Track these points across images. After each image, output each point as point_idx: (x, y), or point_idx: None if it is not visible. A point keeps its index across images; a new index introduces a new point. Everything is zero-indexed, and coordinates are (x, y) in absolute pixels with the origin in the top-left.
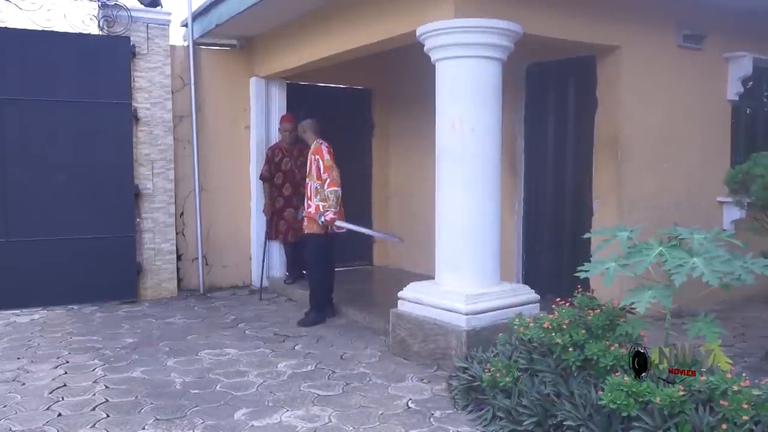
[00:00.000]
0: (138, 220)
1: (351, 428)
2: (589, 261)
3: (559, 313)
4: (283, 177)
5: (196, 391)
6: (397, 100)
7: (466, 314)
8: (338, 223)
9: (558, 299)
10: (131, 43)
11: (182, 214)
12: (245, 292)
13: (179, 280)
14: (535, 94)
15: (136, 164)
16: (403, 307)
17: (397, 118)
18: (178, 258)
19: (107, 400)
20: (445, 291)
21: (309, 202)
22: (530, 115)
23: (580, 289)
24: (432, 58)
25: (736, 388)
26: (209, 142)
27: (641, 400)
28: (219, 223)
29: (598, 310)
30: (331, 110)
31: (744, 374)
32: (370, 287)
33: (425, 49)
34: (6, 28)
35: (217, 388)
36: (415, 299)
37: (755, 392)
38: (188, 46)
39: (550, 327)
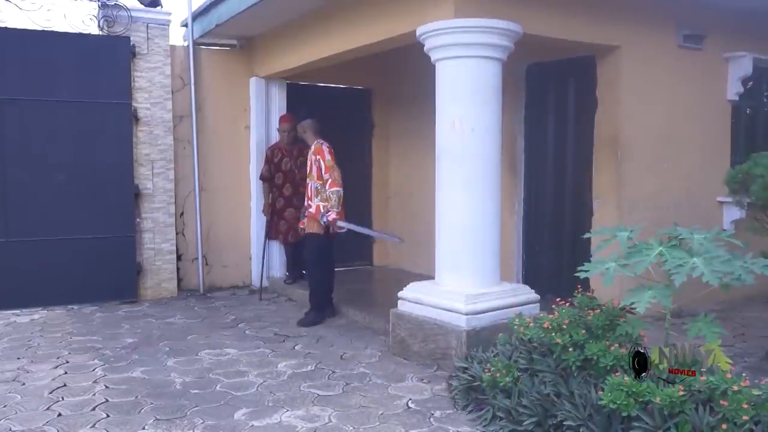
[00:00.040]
0: (138, 220)
1: (351, 428)
2: (589, 261)
3: (559, 313)
4: (283, 177)
5: (196, 391)
6: (397, 100)
7: (466, 314)
8: (339, 223)
9: (558, 299)
10: (131, 43)
11: (182, 214)
12: (245, 292)
13: (179, 280)
14: (535, 94)
15: (136, 164)
16: (403, 307)
17: (397, 118)
18: (178, 258)
19: (107, 400)
20: (445, 291)
21: (309, 202)
22: (530, 115)
23: (580, 289)
24: (432, 58)
25: (736, 388)
26: (209, 142)
27: (641, 400)
28: (219, 223)
29: (598, 310)
30: (331, 110)
31: (744, 374)
32: (370, 287)
33: (425, 49)
34: (6, 28)
35: (217, 388)
36: (415, 299)
37: (755, 392)
38: (188, 46)
39: (550, 327)
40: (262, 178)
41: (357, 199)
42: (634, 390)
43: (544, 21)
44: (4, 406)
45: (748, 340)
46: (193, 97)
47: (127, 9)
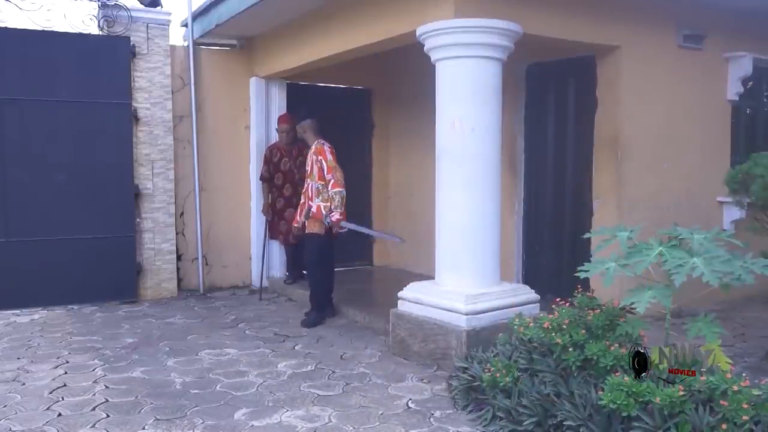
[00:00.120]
0: (138, 220)
1: (351, 428)
2: (589, 261)
3: (559, 313)
4: (282, 177)
5: (196, 391)
6: (397, 100)
7: (466, 314)
8: (342, 223)
9: (558, 299)
10: (131, 43)
11: (182, 214)
12: (245, 292)
13: (179, 280)
14: (535, 94)
15: (136, 164)
16: (403, 307)
17: (397, 118)
18: (178, 258)
19: (107, 400)
20: (445, 291)
21: (310, 202)
22: (530, 115)
23: (580, 289)
24: (432, 58)
25: (736, 388)
26: (209, 142)
27: (641, 400)
28: (219, 223)
29: (598, 310)
30: (331, 110)
31: (744, 374)
32: (370, 287)
33: (425, 49)
34: (6, 28)
35: (217, 388)
36: (415, 299)
37: (755, 392)
38: (188, 46)
39: (550, 327)
40: (261, 178)
41: (357, 199)
42: (634, 390)
43: (544, 21)
44: (4, 406)
45: (748, 340)
46: (193, 97)
47: (127, 9)
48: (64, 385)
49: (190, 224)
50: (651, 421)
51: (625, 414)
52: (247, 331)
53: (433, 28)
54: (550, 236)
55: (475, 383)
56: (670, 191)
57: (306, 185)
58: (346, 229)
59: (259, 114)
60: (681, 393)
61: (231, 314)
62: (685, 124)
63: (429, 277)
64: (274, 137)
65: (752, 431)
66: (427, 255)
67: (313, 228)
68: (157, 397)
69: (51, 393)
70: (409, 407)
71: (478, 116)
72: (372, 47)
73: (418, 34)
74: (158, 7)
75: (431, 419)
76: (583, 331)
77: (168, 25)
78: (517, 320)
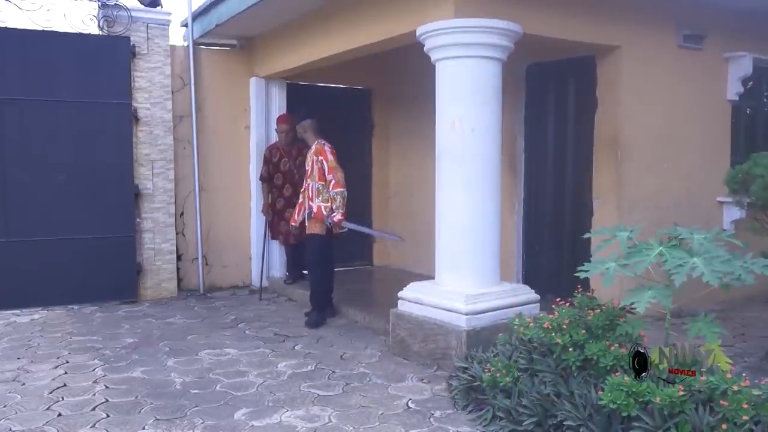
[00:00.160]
0: (138, 220)
1: (351, 428)
2: (589, 261)
3: (559, 313)
4: (282, 177)
5: (196, 391)
6: (397, 100)
7: (466, 314)
8: (343, 223)
9: (558, 299)
10: (131, 43)
11: (182, 214)
12: (245, 292)
13: (179, 280)
14: (535, 94)
15: (136, 164)
16: (403, 307)
17: (397, 118)
18: (178, 258)
19: (107, 400)
20: (445, 291)
21: (310, 203)
22: (530, 115)
23: (580, 289)
24: (432, 58)
25: (736, 388)
26: (209, 142)
27: (641, 400)
28: (219, 223)
29: (598, 310)
30: (331, 110)
31: (744, 374)
32: (370, 287)
33: (425, 49)
34: (6, 28)
35: (217, 388)
36: (415, 299)
37: (755, 392)
38: (188, 46)
39: (550, 327)
40: (261, 178)
41: (357, 199)
42: (634, 390)
43: (544, 21)
44: (4, 406)
45: (748, 340)
46: (193, 97)
47: (127, 9)
48: (64, 385)
49: (190, 224)
50: (651, 421)
51: (625, 414)
52: (247, 331)
53: (433, 28)
54: (550, 236)
55: (475, 383)
56: (670, 191)
57: (305, 185)
58: (346, 229)
59: (259, 114)
60: (681, 393)
61: (231, 314)
62: (685, 124)
63: (429, 277)
64: (274, 137)
65: (752, 431)
66: (427, 255)
67: (314, 229)
68: (157, 397)
69: (51, 393)
70: (409, 407)
71: (478, 116)
72: (372, 47)
73: (418, 34)
74: (158, 7)
75: (431, 419)
76: (583, 331)
77: (168, 25)
78: (517, 320)
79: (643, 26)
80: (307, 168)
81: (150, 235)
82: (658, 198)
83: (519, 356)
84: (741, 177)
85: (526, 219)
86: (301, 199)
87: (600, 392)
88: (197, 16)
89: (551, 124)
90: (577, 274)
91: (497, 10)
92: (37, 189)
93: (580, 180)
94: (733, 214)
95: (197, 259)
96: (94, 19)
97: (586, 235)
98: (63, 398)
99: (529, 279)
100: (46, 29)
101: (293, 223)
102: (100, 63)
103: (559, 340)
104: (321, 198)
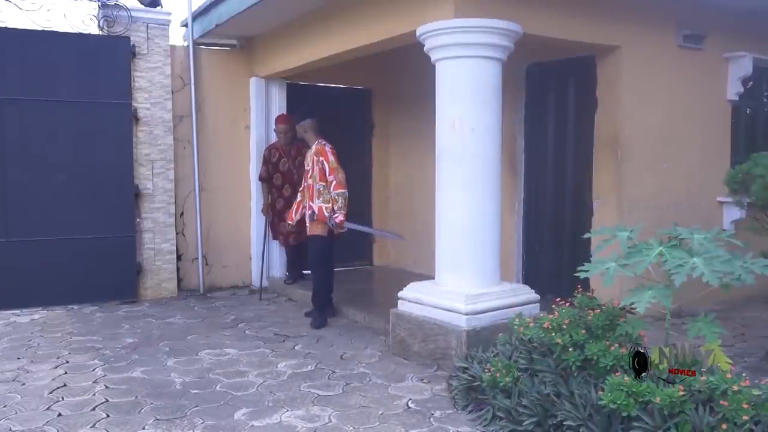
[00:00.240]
0: (138, 220)
1: (351, 428)
2: (589, 261)
3: (559, 313)
4: (282, 178)
5: (196, 391)
6: (397, 100)
7: (466, 314)
8: (345, 224)
9: (558, 299)
10: (131, 43)
11: (182, 214)
12: (245, 292)
13: (179, 280)
14: (535, 94)
15: (136, 164)
16: (403, 307)
17: (397, 118)
18: (178, 258)
19: (107, 400)
20: (445, 291)
21: (311, 203)
22: (530, 115)
23: (580, 289)
24: (432, 58)
25: (736, 388)
26: (209, 142)
27: (641, 400)
28: (219, 223)
29: (598, 310)
30: (331, 110)
31: (744, 374)
32: (370, 287)
33: (425, 49)
34: (6, 28)
35: (217, 388)
36: (415, 299)
37: (755, 392)
38: (188, 46)
39: (550, 327)
40: (260, 179)
41: (357, 199)
42: (634, 390)
43: (544, 21)
44: (4, 406)
45: (748, 340)
46: (193, 97)
47: (127, 9)
48: (64, 385)
49: (190, 224)
50: (651, 421)
51: (625, 414)
52: (247, 331)
53: (433, 28)
54: (550, 236)
55: (475, 383)
56: (670, 191)
57: (304, 184)
58: (346, 229)
59: (259, 114)
60: (681, 393)
61: (231, 314)
62: (685, 124)
63: (429, 277)
64: (274, 137)
65: (752, 431)
66: (427, 255)
67: (316, 230)
68: (157, 397)
69: (51, 393)
70: (409, 407)
71: (478, 116)
72: (372, 47)
73: (418, 34)
74: (158, 7)
75: (431, 419)
76: (583, 331)
77: (168, 25)
78: (517, 320)
79: (643, 26)
80: (306, 167)
81: (150, 235)
82: (658, 198)
83: (519, 356)
84: (741, 177)
85: (526, 219)
86: (299, 198)
87: (600, 392)
88: (197, 16)
89: (551, 124)
90: (577, 274)
91: (497, 10)
92: (37, 189)
93: (580, 180)
94: (733, 214)
95: (197, 259)
96: (94, 19)
97: (586, 235)
98: (63, 398)
99: (529, 279)
100: (46, 29)
101: (290, 221)
102: (100, 63)
103: (559, 340)
104: (322, 199)
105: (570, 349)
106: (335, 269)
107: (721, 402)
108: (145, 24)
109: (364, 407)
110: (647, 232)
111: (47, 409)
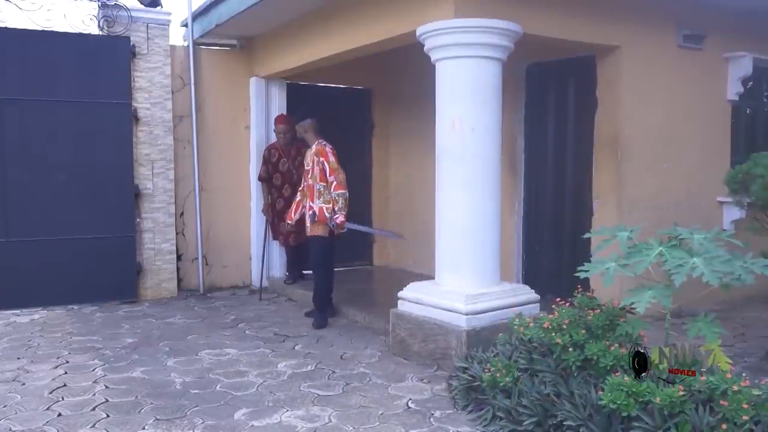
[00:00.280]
0: (138, 220)
1: (351, 428)
2: (589, 261)
3: (559, 313)
4: (281, 178)
5: (196, 391)
6: (397, 100)
7: (466, 314)
8: (345, 224)
9: (558, 299)
10: (131, 43)
11: (182, 214)
12: (245, 292)
13: (179, 280)
14: (535, 94)
15: (136, 164)
16: (403, 307)
17: (397, 118)
18: (178, 258)
19: (107, 400)
20: (445, 291)
21: (311, 203)
22: (530, 115)
23: (580, 289)
24: (432, 58)
25: (736, 388)
26: (209, 142)
27: (641, 400)
28: (219, 223)
29: (598, 310)
30: (331, 110)
31: (744, 374)
32: (370, 287)
33: (425, 49)
34: (6, 28)
35: (217, 388)
36: (415, 299)
37: (755, 392)
38: (188, 46)
39: (550, 327)
40: (260, 179)
41: (357, 199)
42: (634, 390)
43: (544, 21)
44: (4, 406)
45: (748, 340)
46: (193, 97)
47: (127, 9)
48: (64, 385)
49: (190, 224)
50: (651, 421)
51: (625, 414)
52: (247, 331)
53: (433, 28)
54: (550, 236)
55: (475, 383)
56: (670, 191)
57: (304, 184)
58: (347, 229)
59: (259, 114)
60: (681, 393)
61: (231, 314)
62: (685, 124)
63: (429, 277)
64: (274, 137)
65: (752, 431)
66: (427, 255)
67: (317, 231)
68: (157, 397)
69: (51, 393)
70: (409, 407)
71: (478, 116)
72: (372, 47)
73: (418, 34)
74: (158, 7)
75: (431, 419)
76: (583, 331)
77: (168, 25)
78: (517, 320)
79: (643, 26)
80: (306, 167)
81: (150, 235)
82: (658, 198)
83: (519, 356)
84: (741, 177)
85: (526, 219)
86: (299, 197)
87: (600, 392)
88: (197, 16)
89: (551, 124)
90: (577, 274)
91: (497, 10)
92: (37, 189)
93: (580, 180)
94: (733, 214)
95: (197, 259)
96: (94, 19)
97: (586, 235)
98: (63, 398)
99: (529, 279)
100: (46, 29)
101: (289, 221)
102: (100, 63)
103: (559, 340)
104: (322, 199)
105: (570, 349)
106: (335, 269)
107: (721, 402)
108: (145, 24)
109: (364, 407)
110: (647, 232)
111: (47, 409)
